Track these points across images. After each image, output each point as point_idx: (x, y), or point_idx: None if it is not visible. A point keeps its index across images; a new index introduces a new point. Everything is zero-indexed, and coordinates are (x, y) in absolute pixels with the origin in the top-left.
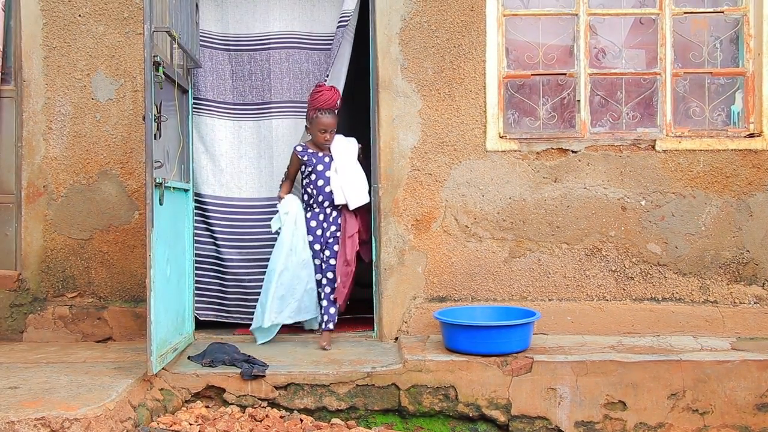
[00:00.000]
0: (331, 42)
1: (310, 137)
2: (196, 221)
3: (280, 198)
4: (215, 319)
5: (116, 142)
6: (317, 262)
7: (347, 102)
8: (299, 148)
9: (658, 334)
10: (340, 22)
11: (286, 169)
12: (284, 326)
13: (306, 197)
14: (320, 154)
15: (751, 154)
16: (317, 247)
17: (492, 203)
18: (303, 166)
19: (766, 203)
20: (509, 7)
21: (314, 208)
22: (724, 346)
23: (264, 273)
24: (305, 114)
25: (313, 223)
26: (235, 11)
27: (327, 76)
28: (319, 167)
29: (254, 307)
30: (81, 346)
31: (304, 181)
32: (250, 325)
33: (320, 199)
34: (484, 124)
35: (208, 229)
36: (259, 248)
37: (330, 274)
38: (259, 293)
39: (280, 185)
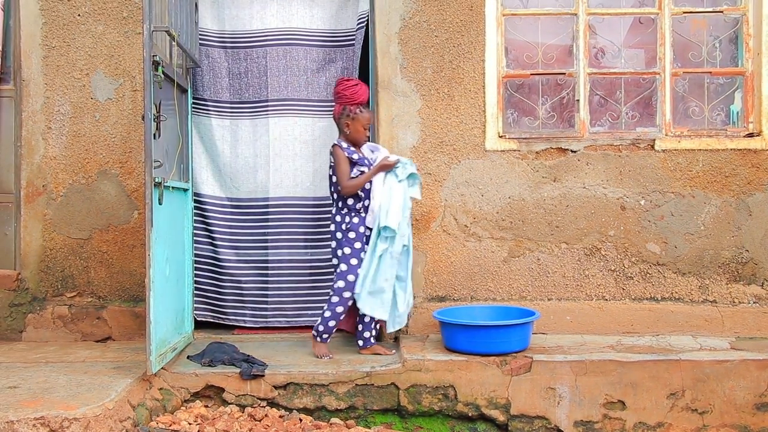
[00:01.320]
0: (331, 39)
1: (343, 134)
2: (195, 221)
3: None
4: (211, 320)
5: (115, 142)
6: (350, 279)
7: None
8: (344, 145)
9: (657, 333)
10: (359, 22)
11: (336, 175)
12: (280, 327)
13: (351, 201)
14: (362, 155)
15: (751, 153)
16: (363, 255)
17: (491, 203)
18: (353, 166)
19: (765, 203)
20: (508, 6)
21: (360, 213)
22: (724, 345)
23: (260, 274)
24: (339, 110)
25: (362, 228)
26: (231, 8)
27: (355, 75)
28: (364, 169)
29: (250, 309)
30: (80, 346)
31: None
32: (246, 326)
33: (367, 203)
34: (483, 124)
35: (206, 230)
36: (256, 249)
37: None
38: (254, 295)
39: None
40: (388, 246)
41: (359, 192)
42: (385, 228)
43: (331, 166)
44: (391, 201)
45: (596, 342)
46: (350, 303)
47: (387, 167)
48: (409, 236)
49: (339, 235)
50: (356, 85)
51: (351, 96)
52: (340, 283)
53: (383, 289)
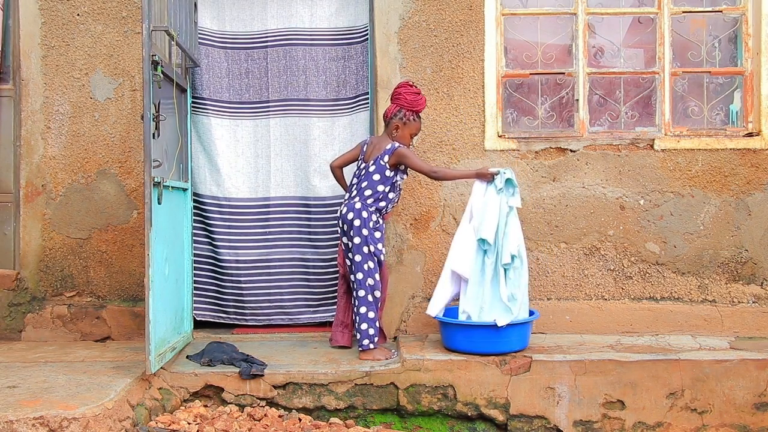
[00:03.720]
0: (331, 38)
1: (387, 135)
2: (194, 221)
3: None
4: (212, 320)
5: (115, 142)
6: (377, 277)
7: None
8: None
9: (656, 333)
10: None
11: (419, 166)
12: (281, 325)
13: (383, 204)
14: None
15: (750, 153)
16: (382, 257)
17: None
18: (397, 172)
19: (764, 202)
20: (508, 6)
21: (382, 217)
22: (723, 345)
23: (262, 273)
24: (393, 110)
25: (379, 234)
26: (232, 8)
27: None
28: (405, 177)
29: (250, 308)
30: (79, 346)
31: (387, 188)
32: (246, 325)
33: (390, 209)
34: (482, 124)
35: (205, 229)
36: (255, 249)
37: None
38: (254, 295)
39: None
40: (494, 259)
41: (392, 195)
42: (482, 240)
43: (377, 163)
44: (485, 212)
45: (595, 342)
46: (379, 302)
47: (484, 177)
48: (520, 247)
49: (365, 231)
50: (418, 93)
51: (411, 102)
52: (366, 287)
53: (510, 302)
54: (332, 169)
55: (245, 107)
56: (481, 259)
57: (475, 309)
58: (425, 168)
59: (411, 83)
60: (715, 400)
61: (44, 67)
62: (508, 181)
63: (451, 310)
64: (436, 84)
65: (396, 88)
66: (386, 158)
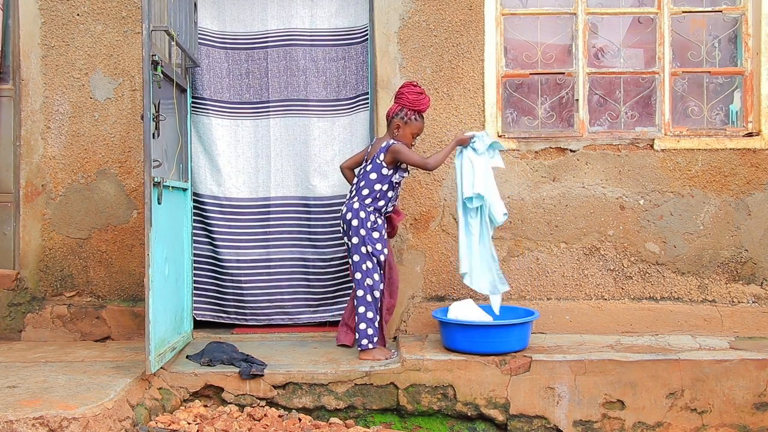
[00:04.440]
0: (331, 38)
1: (390, 134)
2: (194, 221)
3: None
4: (212, 320)
5: (115, 142)
6: (377, 277)
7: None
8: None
9: (656, 333)
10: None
11: (412, 160)
12: (281, 325)
13: (381, 203)
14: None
15: (750, 153)
16: (382, 258)
17: None
18: (396, 170)
19: (764, 202)
20: (508, 6)
21: (380, 216)
22: (723, 345)
23: (262, 273)
24: (395, 109)
25: (383, 232)
26: (232, 9)
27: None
28: (405, 175)
29: (250, 308)
30: (79, 346)
31: (384, 187)
32: (247, 325)
33: (390, 208)
34: (482, 123)
35: (205, 229)
36: (255, 249)
37: (378, 292)
38: (254, 295)
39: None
40: (480, 219)
41: (390, 194)
42: (471, 199)
43: (373, 162)
44: (474, 172)
45: (595, 342)
46: (379, 303)
47: (463, 142)
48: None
49: (363, 231)
50: (421, 93)
51: (412, 101)
52: (365, 287)
53: (491, 266)
54: (342, 170)
55: (245, 107)
56: (465, 221)
57: (465, 268)
58: (418, 161)
59: (415, 83)
60: (715, 400)
61: (44, 67)
62: (493, 144)
63: (447, 310)
64: (436, 84)
65: (400, 88)
66: (382, 156)
